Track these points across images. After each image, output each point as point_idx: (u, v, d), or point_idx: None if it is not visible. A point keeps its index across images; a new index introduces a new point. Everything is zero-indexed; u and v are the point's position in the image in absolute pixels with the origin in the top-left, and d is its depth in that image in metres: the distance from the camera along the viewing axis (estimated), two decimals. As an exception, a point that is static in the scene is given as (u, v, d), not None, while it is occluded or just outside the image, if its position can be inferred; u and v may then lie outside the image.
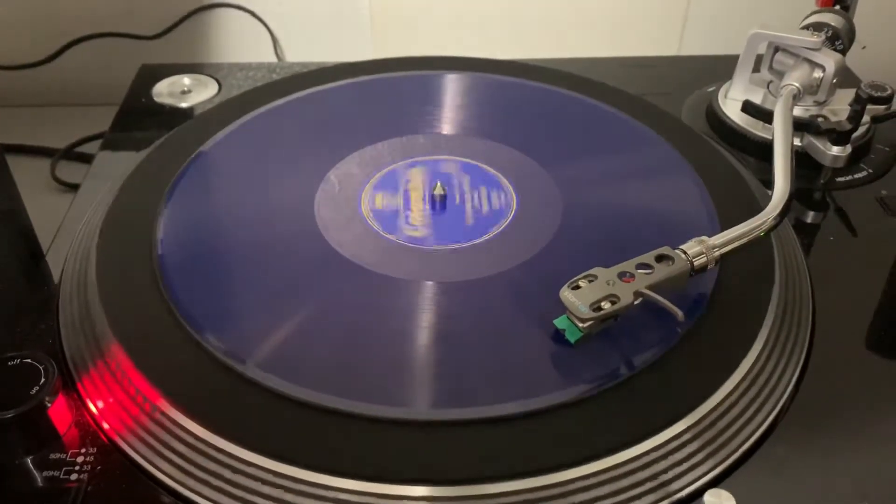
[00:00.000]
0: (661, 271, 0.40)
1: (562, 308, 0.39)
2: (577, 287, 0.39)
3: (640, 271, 0.40)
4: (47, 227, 0.51)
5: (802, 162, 0.53)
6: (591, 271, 0.40)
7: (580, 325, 0.38)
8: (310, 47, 0.82)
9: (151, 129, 0.60)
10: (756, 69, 0.59)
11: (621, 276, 0.39)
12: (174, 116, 0.62)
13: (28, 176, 0.67)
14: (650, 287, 0.39)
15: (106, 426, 0.38)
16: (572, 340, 0.39)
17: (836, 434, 0.38)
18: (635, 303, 0.39)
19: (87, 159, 0.66)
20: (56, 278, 0.47)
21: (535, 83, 0.60)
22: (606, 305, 0.38)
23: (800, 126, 0.53)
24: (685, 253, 0.40)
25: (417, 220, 0.48)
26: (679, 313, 0.38)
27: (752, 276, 0.44)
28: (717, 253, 0.41)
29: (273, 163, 0.52)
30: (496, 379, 0.38)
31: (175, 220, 0.47)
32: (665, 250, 0.41)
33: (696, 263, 0.40)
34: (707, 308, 0.41)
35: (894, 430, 0.39)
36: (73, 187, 0.64)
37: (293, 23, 0.80)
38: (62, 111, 0.77)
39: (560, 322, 0.39)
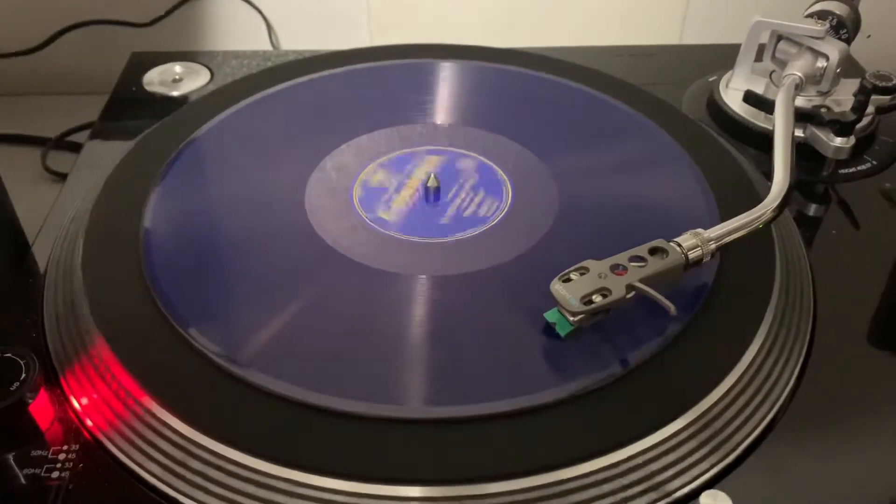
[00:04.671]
0: (655, 264, 0.39)
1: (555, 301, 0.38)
2: (569, 280, 0.38)
3: (633, 264, 0.39)
4: (39, 218, 0.50)
5: (805, 153, 0.52)
6: (583, 263, 0.39)
7: (570, 318, 0.37)
8: (305, 35, 0.81)
9: (142, 118, 0.59)
10: (758, 58, 0.58)
11: (614, 268, 0.39)
12: (165, 105, 0.61)
13: (19, 166, 0.67)
14: (643, 280, 0.38)
15: (89, 423, 0.37)
16: (562, 334, 0.38)
17: (836, 433, 0.38)
18: (627, 296, 0.38)
19: (78, 149, 0.65)
20: (42, 270, 0.46)
21: (533, 72, 0.59)
22: (598, 299, 0.37)
23: (802, 116, 0.52)
24: (680, 245, 0.40)
25: (404, 203, 0.47)
26: (671, 307, 0.37)
27: (752, 270, 0.43)
28: (712, 246, 0.40)
29: (264, 154, 0.52)
30: (490, 376, 0.38)
31: (163, 212, 0.46)
32: (659, 243, 0.40)
33: (690, 256, 0.39)
34: (705, 302, 0.41)
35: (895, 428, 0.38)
36: (65, 177, 0.63)
37: (288, 10, 0.79)
38: (53, 100, 0.76)
39: (551, 315, 0.39)
